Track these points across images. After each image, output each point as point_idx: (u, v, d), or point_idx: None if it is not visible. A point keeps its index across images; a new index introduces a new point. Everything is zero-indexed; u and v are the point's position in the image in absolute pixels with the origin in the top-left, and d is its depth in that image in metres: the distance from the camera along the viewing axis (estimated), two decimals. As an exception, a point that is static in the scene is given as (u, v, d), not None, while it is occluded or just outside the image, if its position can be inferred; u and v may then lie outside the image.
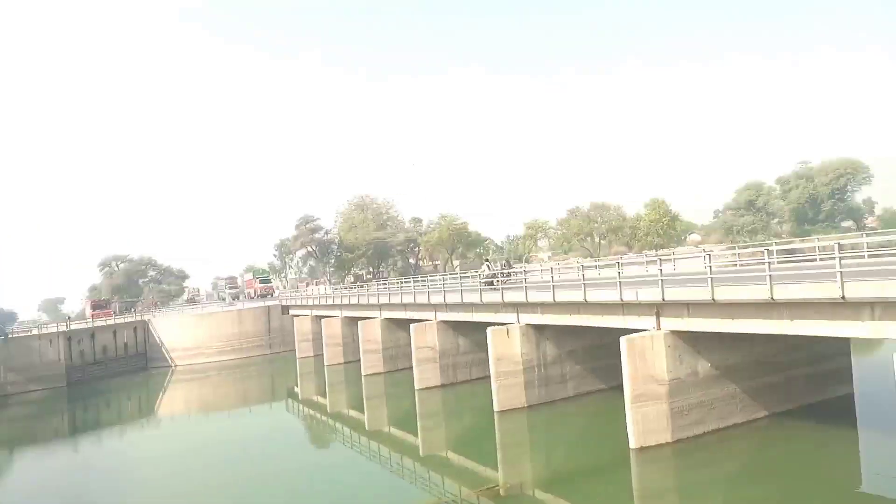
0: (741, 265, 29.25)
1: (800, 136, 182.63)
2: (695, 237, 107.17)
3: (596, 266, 34.48)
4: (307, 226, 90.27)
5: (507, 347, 23.51)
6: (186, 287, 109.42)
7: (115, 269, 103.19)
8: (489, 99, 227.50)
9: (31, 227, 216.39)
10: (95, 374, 48.11)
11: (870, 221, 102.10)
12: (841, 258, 13.65)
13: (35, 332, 48.71)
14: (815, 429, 17.95)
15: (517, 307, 24.66)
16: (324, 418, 29.81)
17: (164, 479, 20.92)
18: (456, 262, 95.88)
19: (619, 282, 19.46)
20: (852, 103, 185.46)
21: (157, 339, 53.59)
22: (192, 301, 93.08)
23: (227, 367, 48.82)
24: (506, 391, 23.24)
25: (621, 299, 19.16)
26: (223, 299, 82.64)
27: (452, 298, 28.92)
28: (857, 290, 13.13)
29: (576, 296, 21.10)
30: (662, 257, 21.46)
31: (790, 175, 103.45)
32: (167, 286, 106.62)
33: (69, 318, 57.17)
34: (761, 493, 14.23)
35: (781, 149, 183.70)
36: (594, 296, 20.46)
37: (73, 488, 21.33)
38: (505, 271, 30.36)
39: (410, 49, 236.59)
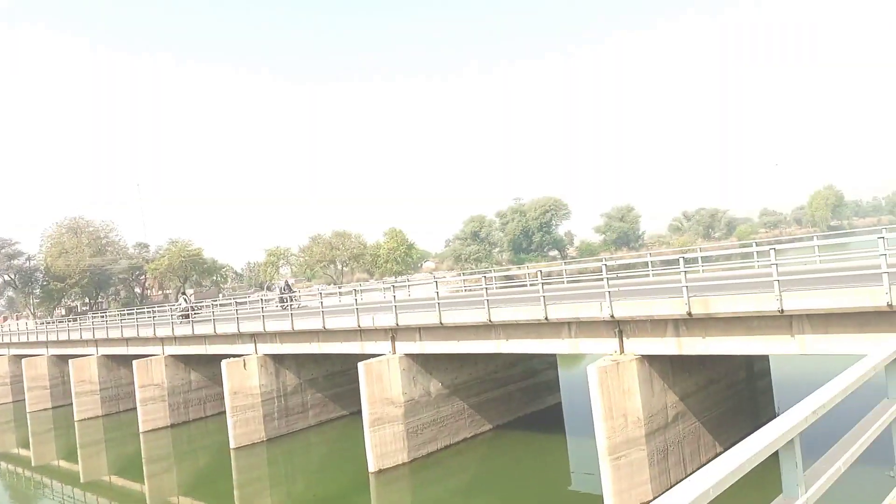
0: (467, 290, 31.80)
1: (516, 173, 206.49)
2: (429, 264, 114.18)
3: (338, 293, 34.94)
4: (3, 251, 77.41)
5: (243, 380, 22.64)
6: None
7: None
8: (223, 125, 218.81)
9: None
10: None
11: (571, 251, 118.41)
12: (544, 284, 15.70)
13: None
14: (532, 437, 19.97)
15: (254, 337, 23.95)
16: (28, 473, 25.59)
17: None
18: (190, 292, 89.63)
19: (357, 308, 19.97)
20: (560, 145, 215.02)
21: None
22: None
23: None
24: (243, 426, 22.29)
25: (359, 326, 19.68)
26: None
27: (182, 330, 27.08)
28: (557, 311, 15.06)
29: (315, 323, 21.17)
30: (397, 284, 22.55)
31: (507, 210, 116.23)
32: None
33: None
34: (489, 501, 15.51)
35: (502, 185, 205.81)
36: (333, 323, 20.74)
37: None
38: (286, 295, 29.24)
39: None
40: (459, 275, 48.60)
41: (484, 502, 15.50)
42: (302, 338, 22.29)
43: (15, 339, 42.92)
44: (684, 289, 12.85)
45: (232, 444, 22.12)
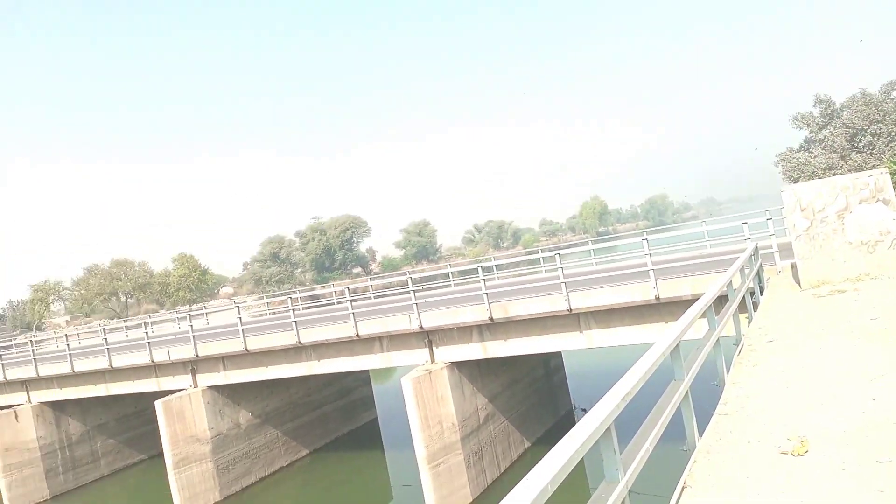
0: (272, 314, 30.72)
1: (312, 195, 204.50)
2: (227, 290, 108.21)
3: (124, 327, 31.84)
4: None
5: (17, 434, 19.83)
6: None
7: None
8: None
9: None
10: None
11: (374, 267, 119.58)
12: (352, 301, 15.72)
13: None
14: (351, 456, 19.74)
15: (26, 384, 21.08)
16: None
17: None
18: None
19: (149, 342, 18.46)
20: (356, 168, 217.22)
21: None
22: None
23: None
24: (21, 486, 19.52)
25: (153, 361, 18.19)
26: None
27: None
28: (368, 327, 15.16)
29: (100, 363, 19.21)
30: (193, 312, 21.18)
31: (306, 229, 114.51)
32: None
33: None
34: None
35: (298, 207, 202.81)
36: (121, 360, 18.95)
37: None
38: None
39: None
40: (261, 298, 46.84)
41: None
42: (85, 380, 20.05)
43: None
44: (485, 296, 13.56)
45: (7, 509, 19.27)
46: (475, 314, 13.81)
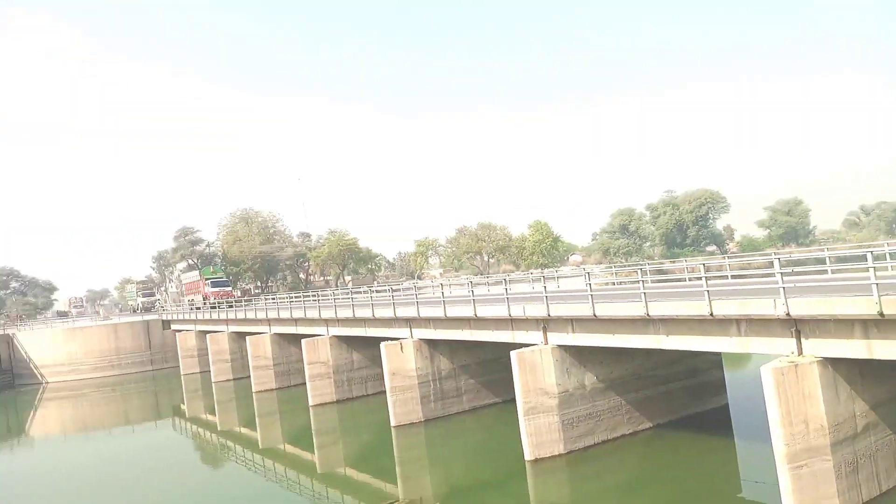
0: (619, 284, 30.92)
1: (665, 166, 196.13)
2: (576, 257, 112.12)
3: (486, 283, 35.41)
4: (187, 238, 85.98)
5: (401, 362, 23.67)
6: (58, 300, 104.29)
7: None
8: (379, 122, 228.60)
9: None
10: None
11: (730, 247, 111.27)
12: (707, 278, 14.88)
13: None
14: (696, 439, 18.94)
15: (409, 322, 24.87)
16: (214, 437, 28.64)
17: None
18: (348, 278, 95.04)
19: (507, 298, 20.10)
20: (714, 138, 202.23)
21: (24, 354, 49.85)
22: (63, 315, 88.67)
23: (105, 384, 46.29)
24: (402, 406, 23.36)
25: (510, 315, 19.79)
26: (136, 309, 76.25)
27: (344, 313, 28.74)
28: (724, 307, 14.14)
29: (466, 311, 21.58)
30: (547, 275, 22.37)
31: (658, 203, 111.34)
32: (33, 298, 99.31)
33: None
34: (650, 501, 14.96)
35: (649, 177, 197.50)
36: (484, 311, 21.02)
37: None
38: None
39: (300, 67, 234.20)
40: (611, 267, 47.31)
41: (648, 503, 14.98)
42: (454, 324, 22.83)
43: (200, 317, 47.88)
44: (874, 286, 11.63)
45: (392, 422, 23.32)
46: (859, 306, 11.95)
